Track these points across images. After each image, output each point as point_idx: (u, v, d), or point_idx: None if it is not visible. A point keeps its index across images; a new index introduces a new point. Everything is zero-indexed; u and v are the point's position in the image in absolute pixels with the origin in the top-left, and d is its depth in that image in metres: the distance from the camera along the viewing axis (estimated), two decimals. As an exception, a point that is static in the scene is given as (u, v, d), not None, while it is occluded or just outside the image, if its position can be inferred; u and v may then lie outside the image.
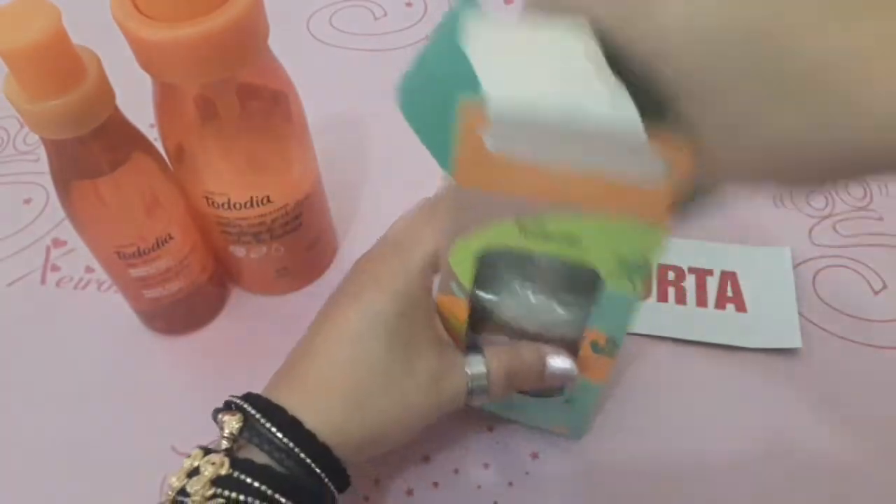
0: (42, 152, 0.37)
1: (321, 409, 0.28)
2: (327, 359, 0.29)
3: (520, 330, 0.32)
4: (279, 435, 0.27)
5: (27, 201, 0.49)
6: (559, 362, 0.32)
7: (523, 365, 0.32)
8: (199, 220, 0.39)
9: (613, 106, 0.22)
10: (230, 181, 0.36)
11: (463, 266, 0.29)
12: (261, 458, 0.27)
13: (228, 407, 0.29)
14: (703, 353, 0.40)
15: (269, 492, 0.26)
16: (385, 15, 0.60)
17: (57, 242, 0.47)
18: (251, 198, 0.37)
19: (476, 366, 0.31)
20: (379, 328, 0.29)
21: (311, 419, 0.28)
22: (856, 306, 0.42)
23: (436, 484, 0.37)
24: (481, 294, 0.31)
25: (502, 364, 0.31)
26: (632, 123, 0.22)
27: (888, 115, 0.18)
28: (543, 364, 0.32)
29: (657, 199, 0.24)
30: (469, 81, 0.23)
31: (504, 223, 0.27)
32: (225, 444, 0.27)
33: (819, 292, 0.43)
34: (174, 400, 0.40)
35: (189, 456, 0.27)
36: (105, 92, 0.31)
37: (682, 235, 0.45)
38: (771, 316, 0.41)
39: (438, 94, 0.26)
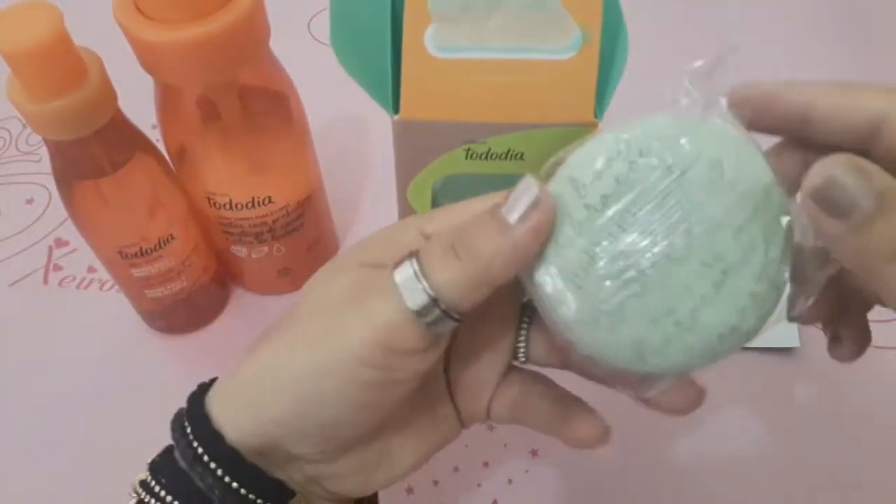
0: (44, 153, 0.38)
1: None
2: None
3: None
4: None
5: (29, 201, 0.49)
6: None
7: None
8: (200, 220, 0.39)
9: None
10: (232, 182, 0.37)
11: (422, 201, 0.31)
12: None
13: None
14: (702, 353, 0.40)
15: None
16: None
17: (59, 242, 0.47)
18: (252, 198, 0.37)
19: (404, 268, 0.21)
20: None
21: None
22: (854, 306, 0.42)
23: (436, 482, 0.37)
24: None
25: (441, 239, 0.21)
26: None
27: None
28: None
29: (584, 97, 0.28)
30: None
31: (454, 152, 0.29)
32: None
33: (818, 292, 0.43)
34: (176, 399, 0.40)
35: None
36: (107, 93, 0.31)
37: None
38: (770, 315, 0.41)
39: (368, 27, 0.29)
